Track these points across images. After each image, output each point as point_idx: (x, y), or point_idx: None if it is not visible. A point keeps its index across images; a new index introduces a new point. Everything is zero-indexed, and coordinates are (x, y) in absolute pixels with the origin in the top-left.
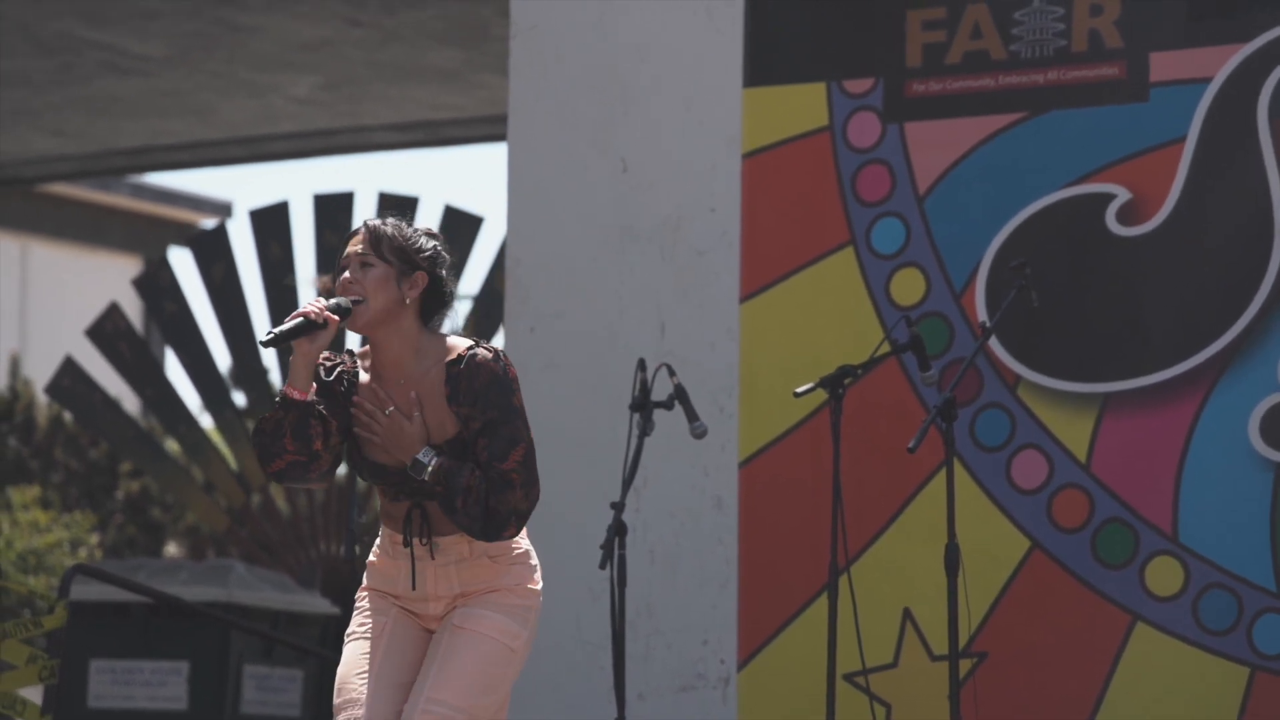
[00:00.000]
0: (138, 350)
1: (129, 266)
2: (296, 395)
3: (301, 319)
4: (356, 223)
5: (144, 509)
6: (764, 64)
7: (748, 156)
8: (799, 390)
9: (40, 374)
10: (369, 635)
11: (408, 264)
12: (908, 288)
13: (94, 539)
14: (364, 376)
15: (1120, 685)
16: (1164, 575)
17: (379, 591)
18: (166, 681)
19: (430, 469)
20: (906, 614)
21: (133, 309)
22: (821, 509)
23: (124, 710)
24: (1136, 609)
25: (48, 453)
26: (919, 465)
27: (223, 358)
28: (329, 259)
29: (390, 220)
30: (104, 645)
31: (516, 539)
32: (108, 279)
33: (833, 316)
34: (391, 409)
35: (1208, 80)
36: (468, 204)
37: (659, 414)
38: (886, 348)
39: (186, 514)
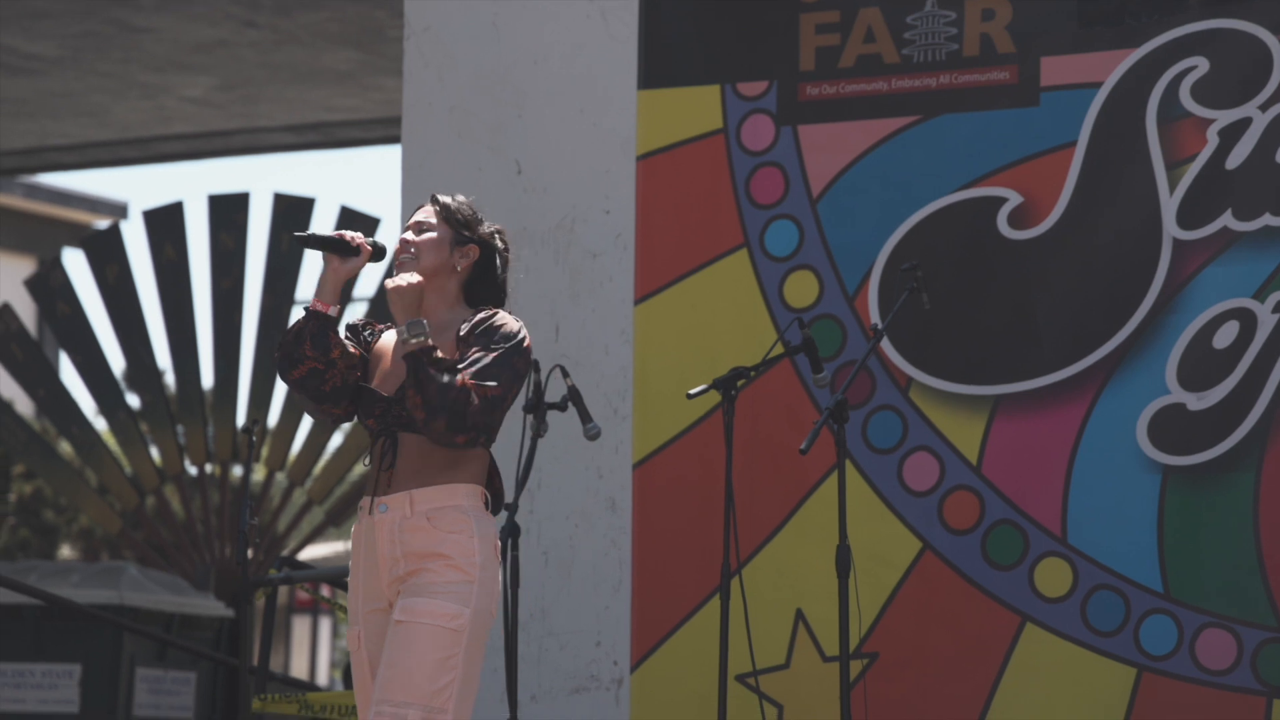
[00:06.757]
0: (30, 352)
1: (22, 267)
2: (320, 306)
3: (337, 237)
4: (252, 224)
5: (37, 511)
6: (658, 66)
7: (642, 159)
8: (692, 392)
9: None
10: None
11: (464, 235)
12: (801, 290)
13: None
14: (392, 334)
15: (1009, 686)
16: (1053, 576)
17: (354, 579)
18: (58, 684)
19: (426, 332)
20: (799, 615)
21: (25, 310)
22: (715, 510)
23: (15, 714)
24: (1026, 610)
25: None
26: (811, 467)
27: (116, 359)
28: (224, 260)
29: (459, 196)
30: None
31: (464, 513)
32: (0, 280)
33: (726, 318)
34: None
35: (1098, 85)
36: (364, 205)
37: (553, 416)
38: (780, 349)
39: (80, 516)
